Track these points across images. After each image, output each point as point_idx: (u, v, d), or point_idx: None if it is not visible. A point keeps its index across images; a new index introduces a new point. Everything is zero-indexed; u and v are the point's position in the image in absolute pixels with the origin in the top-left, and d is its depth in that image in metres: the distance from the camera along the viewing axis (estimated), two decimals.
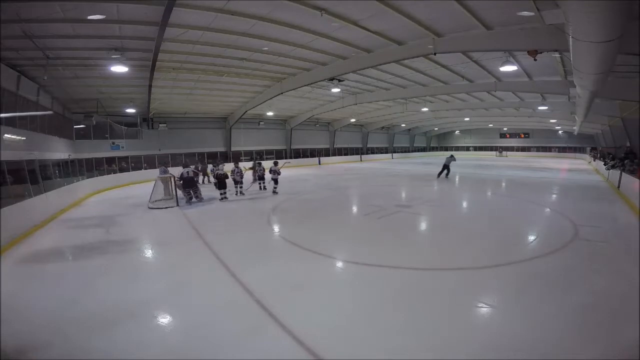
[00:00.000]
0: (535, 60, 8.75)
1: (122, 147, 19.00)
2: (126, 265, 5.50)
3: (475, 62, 11.76)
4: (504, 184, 15.49)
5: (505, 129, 41.07)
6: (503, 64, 10.10)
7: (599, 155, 23.82)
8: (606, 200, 10.79)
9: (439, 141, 49.12)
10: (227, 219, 9.02)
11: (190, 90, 15.97)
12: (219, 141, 24.20)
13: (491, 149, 42.63)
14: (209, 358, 3.03)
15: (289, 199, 11.56)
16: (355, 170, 23.17)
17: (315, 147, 31.21)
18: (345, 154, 34.05)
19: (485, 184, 15.59)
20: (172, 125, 21.04)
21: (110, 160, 18.99)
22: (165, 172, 11.39)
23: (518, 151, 41.15)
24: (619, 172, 12.67)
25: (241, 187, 12.30)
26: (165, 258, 5.97)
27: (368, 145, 36.88)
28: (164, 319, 3.80)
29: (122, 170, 18.92)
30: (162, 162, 19.60)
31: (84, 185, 13.23)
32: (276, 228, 8.07)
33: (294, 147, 28.92)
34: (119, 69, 10.21)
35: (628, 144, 16.74)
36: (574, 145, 36.21)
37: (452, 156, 17.78)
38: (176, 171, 11.65)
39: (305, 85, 14.56)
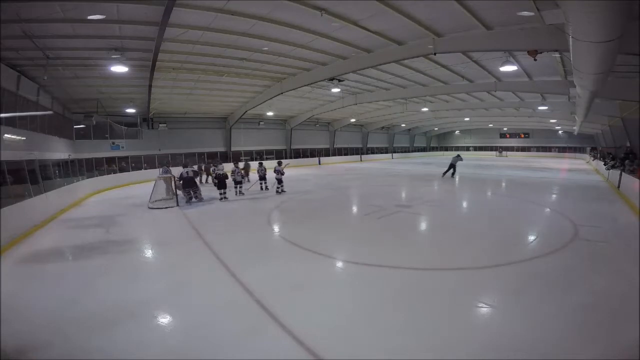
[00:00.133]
0: (535, 60, 8.76)
1: (122, 147, 19.01)
2: (126, 265, 5.50)
3: (475, 62, 11.76)
4: (504, 184, 15.48)
5: (505, 129, 41.08)
6: (503, 64, 10.11)
7: (599, 155, 23.81)
8: (606, 200, 10.79)
9: (439, 141, 49.14)
10: (227, 219, 9.02)
11: (190, 90, 15.98)
12: (219, 141, 24.21)
13: (491, 149, 42.64)
14: (209, 358, 3.02)
15: (289, 199, 11.57)
16: (355, 170, 23.15)
17: (315, 147, 31.21)
18: (345, 154, 34.04)
19: (485, 184, 15.57)
20: (172, 125, 21.06)
21: (110, 160, 19.00)
22: (167, 172, 11.40)
23: (518, 151, 41.15)
24: (619, 172, 12.68)
25: (241, 187, 12.31)
26: (165, 258, 5.97)
27: (368, 145, 36.87)
28: (164, 319, 3.81)
29: (122, 170, 18.93)
30: (164, 162, 19.56)
31: (84, 185, 13.23)
32: (276, 228, 8.07)
33: (294, 147, 28.93)
34: (119, 69, 10.22)
35: (628, 144, 16.72)
36: (574, 145, 36.21)
37: (458, 156, 17.81)
38: (176, 171, 11.68)
39: (305, 85, 14.56)
